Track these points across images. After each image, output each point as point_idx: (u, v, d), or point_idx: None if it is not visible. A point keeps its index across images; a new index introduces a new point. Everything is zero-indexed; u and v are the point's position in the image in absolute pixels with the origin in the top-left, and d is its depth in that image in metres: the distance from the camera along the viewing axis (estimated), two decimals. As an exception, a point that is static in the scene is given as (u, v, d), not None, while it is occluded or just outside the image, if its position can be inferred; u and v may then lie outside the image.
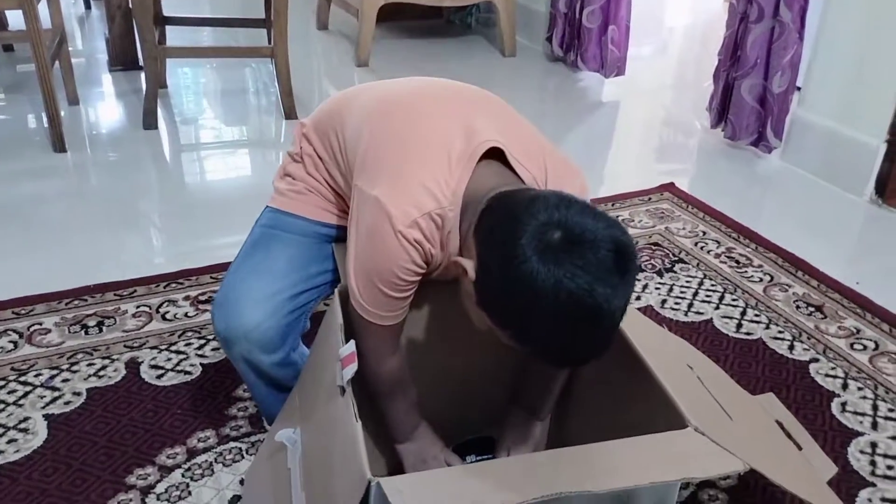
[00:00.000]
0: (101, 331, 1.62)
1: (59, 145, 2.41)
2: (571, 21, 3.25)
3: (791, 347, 1.63)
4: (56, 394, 1.45)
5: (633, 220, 2.13)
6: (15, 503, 1.23)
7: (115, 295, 1.73)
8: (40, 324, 1.63)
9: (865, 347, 1.63)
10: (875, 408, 1.47)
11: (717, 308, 1.76)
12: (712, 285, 1.85)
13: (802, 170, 2.44)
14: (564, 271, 0.79)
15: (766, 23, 2.39)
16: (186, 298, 1.73)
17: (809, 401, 1.48)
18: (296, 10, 2.91)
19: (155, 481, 1.27)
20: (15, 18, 2.85)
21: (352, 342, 0.99)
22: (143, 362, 1.53)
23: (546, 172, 1.06)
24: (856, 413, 1.46)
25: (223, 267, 1.81)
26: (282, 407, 1.21)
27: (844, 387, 1.52)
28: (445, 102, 1.14)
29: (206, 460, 1.31)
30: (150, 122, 2.62)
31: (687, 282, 1.86)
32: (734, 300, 1.79)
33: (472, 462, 1.21)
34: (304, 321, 1.22)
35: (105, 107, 2.90)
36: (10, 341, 1.58)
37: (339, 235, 1.23)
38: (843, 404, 1.48)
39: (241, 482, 1.27)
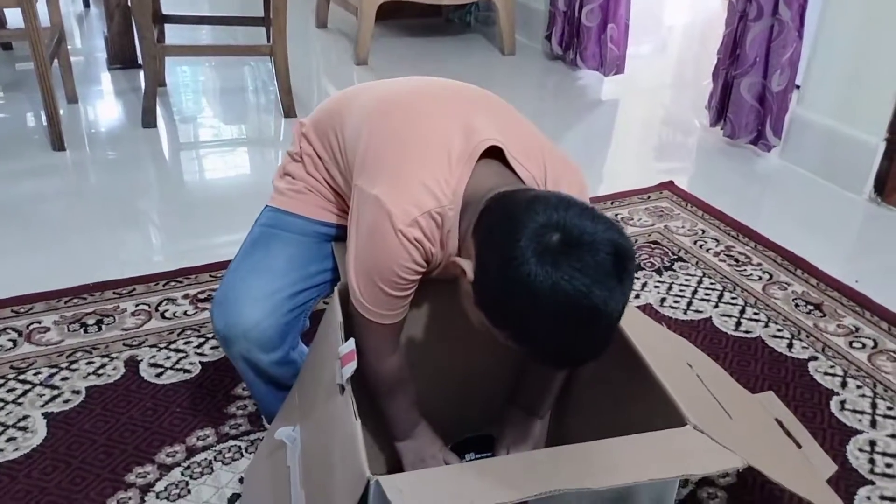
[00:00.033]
0: (100, 329, 1.62)
1: (57, 144, 2.41)
2: (571, 19, 3.25)
3: (790, 346, 1.63)
4: (55, 392, 1.45)
5: (633, 219, 2.13)
6: (14, 502, 1.23)
7: (114, 293, 1.73)
8: (39, 322, 1.63)
9: (864, 346, 1.63)
10: (874, 406, 1.47)
11: (717, 306, 1.76)
12: (711, 284, 1.85)
13: (801, 168, 2.44)
14: (562, 274, 0.80)
15: (766, 21, 2.40)
16: (185, 297, 1.73)
17: (808, 399, 1.49)
18: (295, 9, 2.91)
19: (154, 479, 1.27)
20: (14, 17, 2.85)
21: (351, 340, 0.99)
22: (142, 361, 1.53)
23: (545, 171, 1.06)
24: (855, 411, 1.46)
25: (222, 265, 1.82)
26: (281, 405, 1.21)
27: (843, 385, 1.52)
28: (445, 102, 1.14)
29: (206, 458, 1.31)
30: (148, 121, 2.62)
31: (686, 280, 1.86)
32: (733, 298, 1.79)
33: (470, 460, 1.21)
34: (304, 320, 1.22)
35: (104, 105, 2.90)
36: (10, 340, 1.58)
37: (339, 235, 1.23)
38: (842, 402, 1.48)
39: (241, 480, 1.27)
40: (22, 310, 1.66)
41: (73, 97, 2.78)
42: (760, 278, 1.87)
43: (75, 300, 1.70)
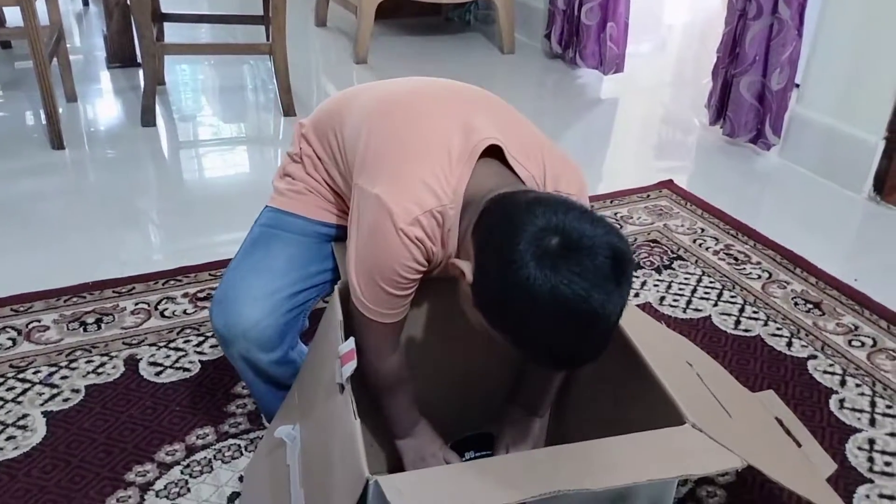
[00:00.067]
0: (99, 328, 1.62)
1: (57, 142, 2.41)
2: (570, 18, 3.25)
3: (789, 344, 1.64)
4: (55, 391, 1.45)
5: (632, 217, 2.13)
6: (14, 500, 1.23)
7: (113, 292, 1.73)
8: (39, 321, 1.63)
9: (863, 344, 1.64)
10: (873, 404, 1.47)
11: (716, 305, 1.76)
12: (711, 282, 1.85)
13: (801, 167, 2.44)
14: (561, 277, 0.80)
15: (765, 20, 2.39)
16: (185, 295, 1.73)
17: (807, 397, 1.49)
18: (294, 7, 2.91)
19: (154, 478, 1.27)
20: (13, 15, 2.85)
21: (351, 339, 0.99)
22: (141, 359, 1.53)
23: (545, 170, 1.06)
24: (854, 410, 1.46)
25: (222, 264, 1.82)
26: (281, 404, 1.21)
27: (842, 383, 1.52)
28: (444, 102, 1.14)
29: (205, 457, 1.31)
30: (148, 120, 2.62)
31: (685, 279, 1.86)
32: (732, 297, 1.79)
33: (470, 458, 1.21)
34: (303, 320, 1.22)
35: (103, 104, 2.90)
36: (9, 338, 1.58)
37: (339, 235, 1.23)
38: (842, 401, 1.48)
39: (241, 479, 1.27)
40: (21, 308, 1.66)
41: (73, 96, 2.78)
42: (760, 277, 1.87)
43: (75, 299, 1.70)
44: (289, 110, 2.74)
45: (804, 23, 2.35)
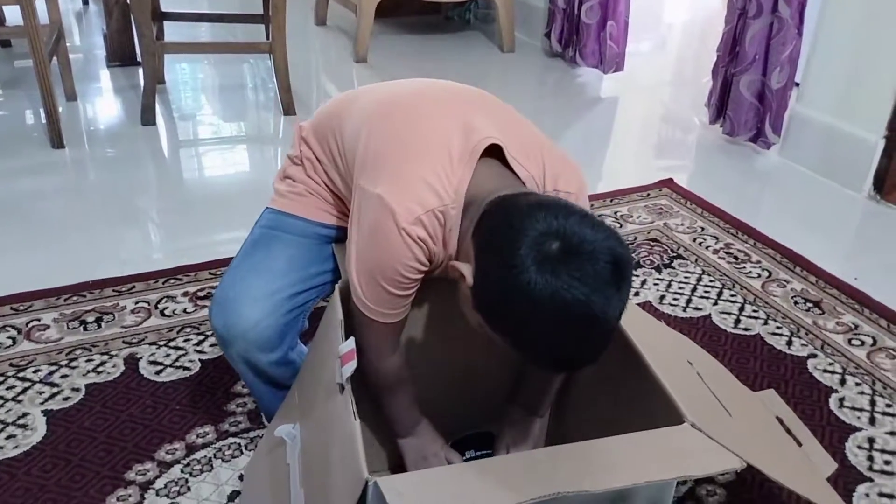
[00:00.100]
0: (99, 327, 1.62)
1: (56, 141, 2.41)
2: (570, 17, 3.25)
3: (789, 343, 1.64)
4: (55, 390, 1.45)
5: (632, 216, 2.14)
6: (14, 499, 1.23)
7: (113, 291, 1.73)
8: (39, 320, 1.63)
9: (863, 343, 1.64)
10: (873, 403, 1.47)
11: (716, 304, 1.76)
12: (711, 281, 1.85)
13: (801, 166, 2.44)
14: (562, 282, 0.80)
15: (765, 18, 2.39)
16: (185, 294, 1.73)
17: (807, 396, 1.49)
18: (294, 6, 2.91)
19: (154, 477, 1.27)
20: (13, 14, 2.85)
21: (351, 339, 0.99)
22: (141, 358, 1.53)
23: (544, 170, 1.06)
24: (854, 408, 1.46)
25: (222, 263, 1.82)
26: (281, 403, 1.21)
27: (842, 382, 1.52)
28: (443, 103, 1.14)
29: (205, 456, 1.31)
30: (148, 118, 2.62)
31: (685, 277, 1.86)
32: (732, 296, 1.79)
33: (471, 457, 1.21)
34: (303, 321, 1.22)
35: (103, 103, 2.90)
36: (9, 337, 1.58)
37: (339, 236, 1.23)
38: (841, 400, 1.48)
39: (241, 478, 1.27)
40: (21, 307, 1.67)
41: (73, 95, 2.78)
42: (759, 276, 1.87)
43: (75, 298, 1.70)
44: (289, 109, 2.74)
45: (804, 21, 2.35)
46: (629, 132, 2.88)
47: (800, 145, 2.45)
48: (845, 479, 1.29)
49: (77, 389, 1.45)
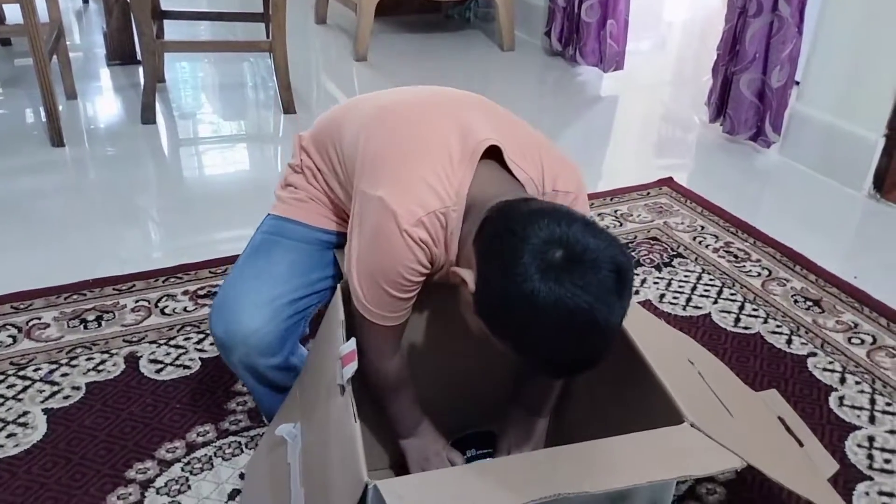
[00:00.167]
0: (99, 325, 1.62)
1: (57, 140, 2.41)
2: (570, 15, 3.25)
3: (789, 342, 1.64)
4: (55, 388, 1.45)
5: (632, 215, 2.14)
6: (15, 497, 1.23)
7: (113, 289, 1.73)
8: (39, 318, 1.63)
9: (863, 342, 1.64)
10: (873, 402, 1.47)
11: (716, 302, 1.76)
12: (711, 280, 1.85)
13: (801, 164, 2.44)
14: (565, 291, 0.81)
15: (765, 17, 2.39)
16: (185, 293, 1.73)
17: (807, 395, 1.49)
18: (294, 5, 2.91)
19: (154, 475, 1.27)
20: (12, 12, 2.85)
21: (352, 340, 0.99)
22: (142, 357, 1.53)
23: (543, 171, 1.06)
24: (853, 407, 1.46)
25: (222, 261, 1.82)
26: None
27: (842, 381, 1.53)
28: (440, 106, 1.15)
29: (206, 454, 1.32)
30: (148, 117, 2.62)
31: (685, 276, 1.86)
32: (732, 294, 1.79)
33: (472, 456, 1.21)
34: (304, 326, 1.22)
35: (103, 101, 2.89)
36: (9, 336, 1.58)
37: (340, 242, 1.23)
38: (841, 398, 1.48)
39: (241, 476, 1.27)
40: (22, 306, 1.67)
41: (72, 93, 2.78)
42: (759, 274, 1.87)
43: (75, 296, 1.70)
44: (289, 108, 2.74)
45: (804, 20, 2.35)
46: (629, 131, 2.88)
47: (800, 144, 2.45)
48: (845, 478, 1.29)
49: (77, 388, 1.45)
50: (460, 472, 0.98)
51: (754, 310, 1.74)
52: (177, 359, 1.53)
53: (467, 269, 0.93)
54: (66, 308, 1.67)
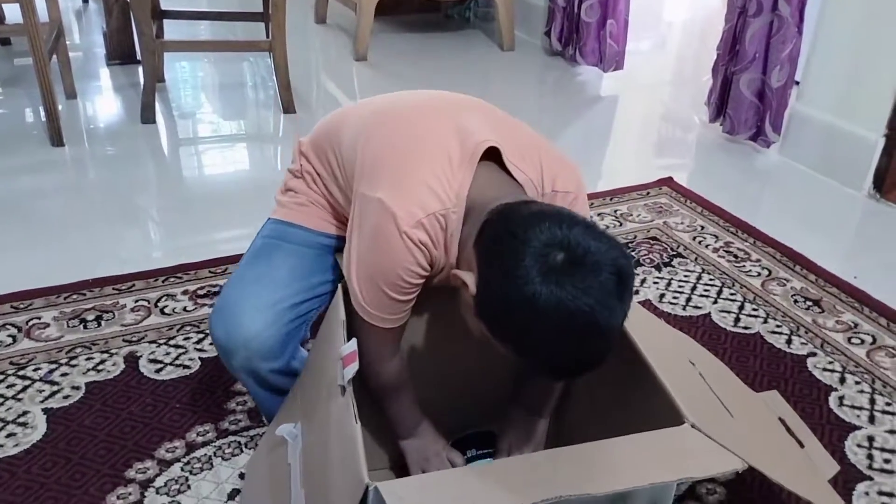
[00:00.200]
0: (99, 325, 1.62)
1: (56, 139, 2.41)
2: (570, 15, 3.25)
3: (789, 341, 1.64)
4: (55, 388, 1.45)
5: (632, 215, 2.14)
6: (14, 497, 1.23)
7: (113, 289, 1.73)
8: (39, 318, 1.63)
9: (863, 341, 1.64)
10: (872, 402, 1.47)
11: (716, 302, 1.76)
12: (710, 279, 1.85)
13: (801, 164, 2.44)
14: (566, 293, 0.81)
15: (765, 17, 2.39)
16: (185, 293, 1.73)
17: (807, 395, 1.49)
18: (294, 4, 2.91)
19: (154, 475, 1.27)
20: (12, 12, 2.85)
21: (353, 341, 0.99)
22: (141, 356, 1.53)
23: (542, 171, 1.06)
24: (853, 407, 1.46)
25: (221, 261, 1.82)
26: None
27: (842, 381, 1.53)
28: (438, 109, 1.15)
29: (206, 454, 1.32)
30: (147, 117, 2.62)
31: (685, 276, 1.86)
32: (732, 294, 1.79)
33: (472, 456, 1.21)
34: (305, 330, 1.22)
35: (103, 101, 2.89)
36: (9, 335, 1.58)
37: (340, 246, 1.22)
38: (841, 398, 1.48)
39: (241, 476, 1.27)
40: (21, 305, 1.67)
41: (72, 93, 2.78)
42: (759, 274, 1.87)
43: (75, 296, 1.70)
44: (288, 107, 2.74)
45: (804, 20, 2.35)
46: (629, 131, 2.88)
47: (800, 144, 2.45)
48: (845, 478, 1.29)
49: (77, 388, 1.45)
50: (461, 473, 0.98)
51: (754, 310, 1.74)
52: (176, 358, 1.53)
53: (468, 272, 0.92)
54: (66, 308, 1.67)
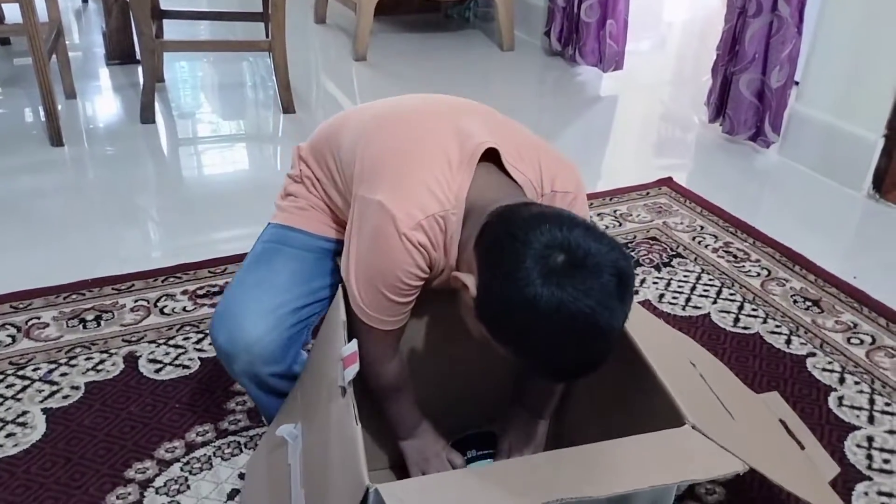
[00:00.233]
0: (99, 325, 1.62)
1: (56, 139, 2.41)
2: (570, 15, 3.25)
3: (788, 342, 1.64)
4: (54, 388, 1.45)
5: (631, 215, 2.14)
6: (14, 497, 1.23)
7: (112, 289, 1.73)
8: (38, 318, 1.63)
9: (862, 342, 1.64)
10: (872, 402, 1.47)
11: (715, 302, 1.76)
12: (710, 280, 1.85)
13: (800, 164, 2.44)
14: (567, 295, 0.81)
15: (765, 17, 2.39)
16: (184, 293, 1.73)
17: (806, 395, 1.49)
18: (293, 4, 2.91)
19: (154, 475, 1.27)
20: (12, 11, 2.85)
21: (354, 342, 0.98)
22: (141, 356, 1.53)
23: (541, 172, 1.06)
24: (853, 407, 1.46)
25: (221, 261, 1.82)
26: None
27: (841, 381, 1.53)
28: (436, 112, 1.15)
29: (205, 454, 1.31)
30: (147, 117, 2.62)
31: (685, 276, 1.86)
32: (732, 294, 1.79)
33: (472, 457, 1.21)
34: (307, 334, 1.22)
35: (102, 101, 2.89)
36: (9, 335, 1.58)
37: (340, 250, 1.23)
38: (840, 398, 1.48)
39: (241, 476, 1.27)
40: (21, 305, 1.66)
41: (72, 93, 2.78)
42: (759, 274, 1.87)
43: (74, 296, 1.70)
44: (288, 107, 2.74)
45: (804, 20, 2.35)
46: (629, 131, 2.88)
47: (799, 144, 2.45)
48: (844, 478, 1.29)
49: (76, 387, 1.45)
50: (461, 475, 0.98)
51: (753, 310, 1.74)
52: (176, 358, 1.53)
53: (468, 274, 0.92)
54: (66, 308, 1.67)
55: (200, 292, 1.73)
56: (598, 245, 0.84)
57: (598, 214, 2.12)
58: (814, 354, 1.60)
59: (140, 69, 2.89)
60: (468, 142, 1.03)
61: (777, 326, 1.68)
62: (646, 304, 1.76)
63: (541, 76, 3.35)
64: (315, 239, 1.21)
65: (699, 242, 2.00)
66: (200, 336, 1.59)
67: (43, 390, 1.44)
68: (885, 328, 1.68)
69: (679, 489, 1.26)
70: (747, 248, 1.98)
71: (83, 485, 1.25)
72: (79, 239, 1.95)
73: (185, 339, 1.59)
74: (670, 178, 2.32)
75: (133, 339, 1.58)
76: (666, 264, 1.91)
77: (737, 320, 1.70)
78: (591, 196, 2.16)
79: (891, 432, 1.40)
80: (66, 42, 2.75)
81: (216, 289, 1.74)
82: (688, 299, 1.78)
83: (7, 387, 1.45)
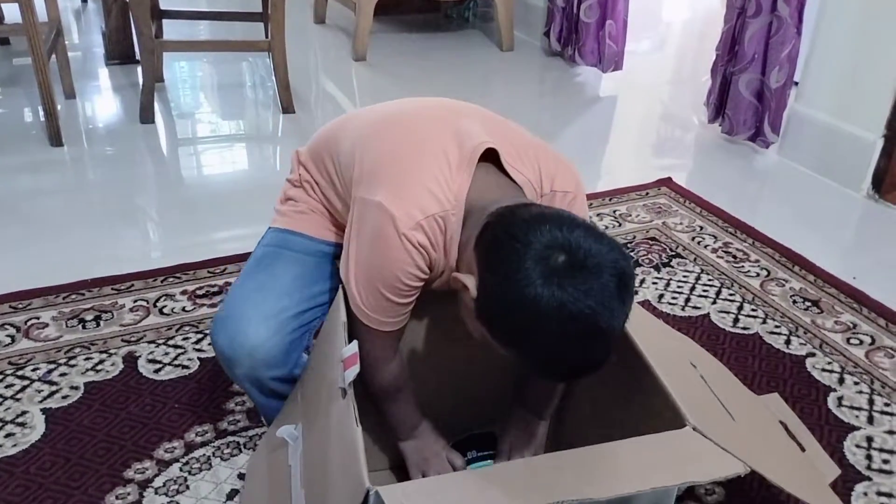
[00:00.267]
0: (98, 325, 1.62)
1: (55, 139, 2.41)
2: (569, 15, 3.25)
3: (788, 342, 1.64)
4: (54, 388, 1.45)
5: (631, 215, 2.14)
6: (13, 497, 1.23)
7: (112, 289, 1.73)
8: (38, 318, 1.63)
9: (862, 342, 1.64)
10: (871, 402, 1.47)
11: (714, 303, 1.76)
12: (709, 280, 1.85)
13: (799, 165, 2.44)
14: (568, 296, 0.81)
15: (764, 17, 2.39)
16: (184, 293, 1.73)
17: (806, 395, 1.49)
18: (293, 4, 2.91)
19: (153, 475, 1.27)
20: (11, 11, 2.85)
21: (354, 343, 0.98)
22: (140, 356, 1.53)
23: (540, 172, 1.06)
24: (852, 407, 1.46)
25: (220, 261, 1.82)
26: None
27: (841, 381, 1.53)
28: (435, 115, 1.15)
29: (204, 454, 1.31)
30: (146, 117, 2.62)
31: (684, 276, 1.86)
32: (731, 295, 1.79)
33: (472, 458, 1.21)
34: (308, 339, 1.22)
35: (102, 101, 2.89)
36: (8, 335, 1.58)
37: (340, 253, 1.23)
38: (840, 399, 1.48)
39: (240, 476, 1.27)
40: (20, 305, 1.66)
41: (71, 92, 2.78)
42: (758, 275, 1.87)
43: (73, 296, 1.70)
44: (288, 107, 2.74)
45: (803, 21, 2.35)
46: (628, 131, 2.89)
47: (798, 144, 2.45)
48: (843, 478, 1.29)
49: (76, 388, 1.45)
50: (462, 477, 0.97)
51: (753, 310, 1.74)
52: (175, 359, 1.53)
53: (468, 275, 0.92)
54: (65, 308, 1.67)
55: (200, 292, 1.73)
56: (598, 245, 0.84)
57: (598, 214, 2.12)
58: (813, 355, 1.60)
59: (139, 69, 2.89)
60: (467, 142, 1.03)
61: (776, 327, 1.68)
62: (645, 304, 1.76)
63: (540, 76, 3.35)
64: (315, 242, 1.21)
65: (698, 243, 2.01)
66: (200, 336, 1.59)
67: (42, 390, 1.44)
68: (884, 328, 1.68)
69: (679, 490, 1.26)
70: (747, 248, 1.98)
71: (82, 485, 1.25)
72: (78, 239, 1.95)
73: (184, 339, 1.59)
74: (670, 179, 2.32)
75: (132, 339, 1.58)
76: (665, 264, 1.91)
77: (736, 320, 1.70)
78: (590, 196, 2.16)
79: (890, 433, 1.40)
80: (66, 42, 2.75)
81: (215, 289, 1.74)
82: (687, 299, 1.78)
83: (6, 387, 1.45)
